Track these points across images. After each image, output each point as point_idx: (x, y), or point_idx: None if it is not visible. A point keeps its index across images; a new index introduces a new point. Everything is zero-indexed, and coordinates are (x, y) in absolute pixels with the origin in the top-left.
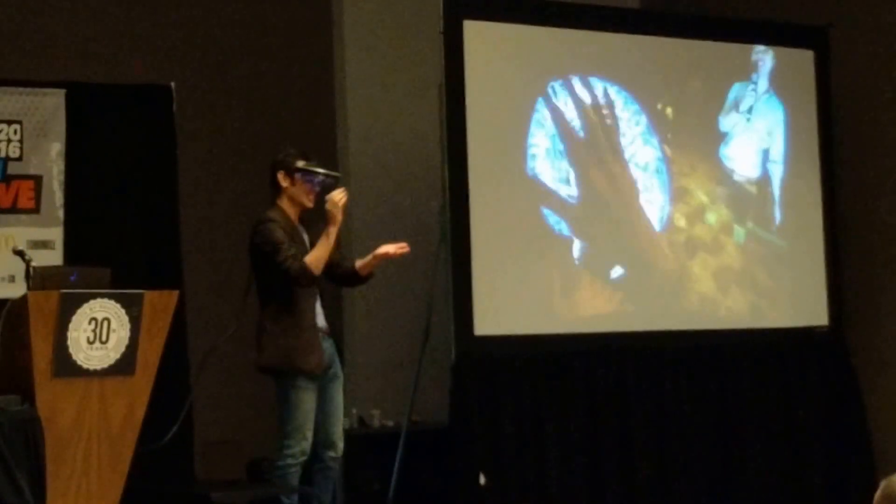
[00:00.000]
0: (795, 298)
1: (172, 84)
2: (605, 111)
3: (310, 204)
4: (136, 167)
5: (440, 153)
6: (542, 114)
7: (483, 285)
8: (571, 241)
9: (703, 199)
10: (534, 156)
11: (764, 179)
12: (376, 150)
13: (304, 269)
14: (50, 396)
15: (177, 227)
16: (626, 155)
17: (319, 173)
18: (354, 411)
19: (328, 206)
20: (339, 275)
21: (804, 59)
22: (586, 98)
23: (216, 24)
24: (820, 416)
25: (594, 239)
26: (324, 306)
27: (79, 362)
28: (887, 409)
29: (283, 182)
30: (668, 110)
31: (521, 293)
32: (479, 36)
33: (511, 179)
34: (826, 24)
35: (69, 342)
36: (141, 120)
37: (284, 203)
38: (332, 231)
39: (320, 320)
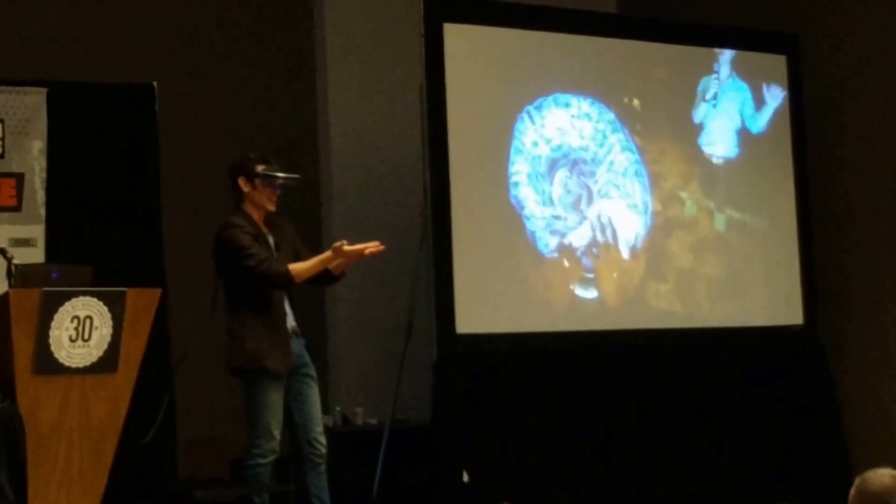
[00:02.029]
0: (771, 298)
1: (155, 83)
2: (581, 125)
3: (272, 207)
4: (119, 166)
5: (421, 154)
6: (520, 140)
7: (464, 284)
8: (550, 245)
9: (678, 181)
10: (516, 183)
11: (739, 158)
12: (357, 151)
13: (286, 274)
14: (31, 394)
15: (159, 225)
16: (605, 163)
17: (279, 177)
18: (338, 409)
19: (342, 247)
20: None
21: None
22: (562, 116)
23: (199, 24)
24: (795, 414)
25: (571, 249)
26: (294, 306)
27: (60, 360)
28: (862, 407)
29: (245, 187)
30: (636, 102)
31: (502, 292)
32: (459, 39)
33: (491, 180)
34: (797, 30)
35: (51, 340)
36: (123, 119)
37: (248, 207)
38: (330, 260)
39: (290, 321)
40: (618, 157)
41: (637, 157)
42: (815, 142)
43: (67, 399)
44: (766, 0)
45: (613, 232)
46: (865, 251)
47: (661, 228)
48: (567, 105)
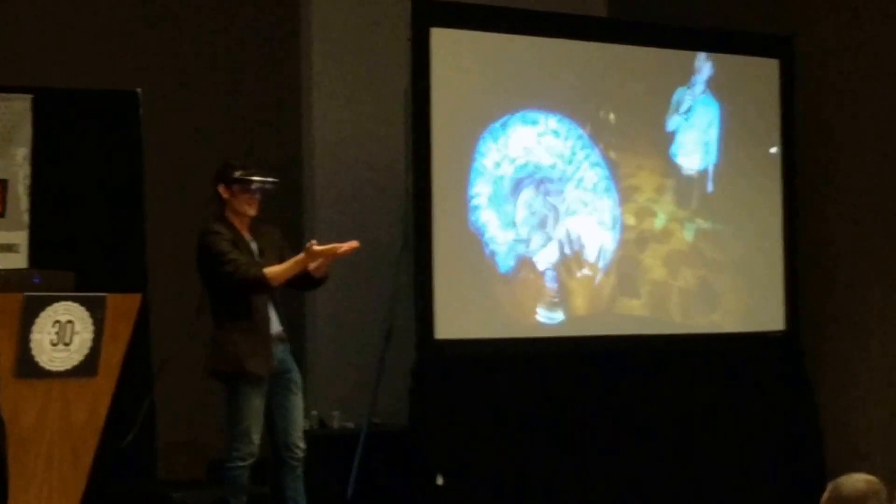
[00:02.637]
0: (751, 303)
1: (139, 90)
2: (548, 143)
3: (251, 212)
4: (102, 172)
5: (405, 159)
6: (480, 162)
7: (444, 290)
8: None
9: (653, 195)
10: (476, 206)
11: (714, 172)
12: (341, 156)
13: (261, 278)
14: (12, 397)
15: (142, 231)
16: (573, 181)
17: (254, 181)
18: (315, 413)
19: (312, 247)
20: (294, 280)
21: (744, 65)
22: (528, 134)
23: (183, 31)
24: (773, 419)
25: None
26: (279, 311)
27: (42, 364)
28: (840, 414)
29: (224, 194)
30: (611, 115)
31: (482, 298)
32: (446, 43)
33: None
34: (791, 33)
35: (32, 344)
36: (107, 125)
37: (229, 214)
38: (303, 262)
39: (274, 326)
40: (587, 173)
41: (607, 172)
42: (807, 147)
43: (48, 403)
44: (758, 4)
45: (582, 249)
46: (848, 258)
47: (634, 242)
48: (534, 122)
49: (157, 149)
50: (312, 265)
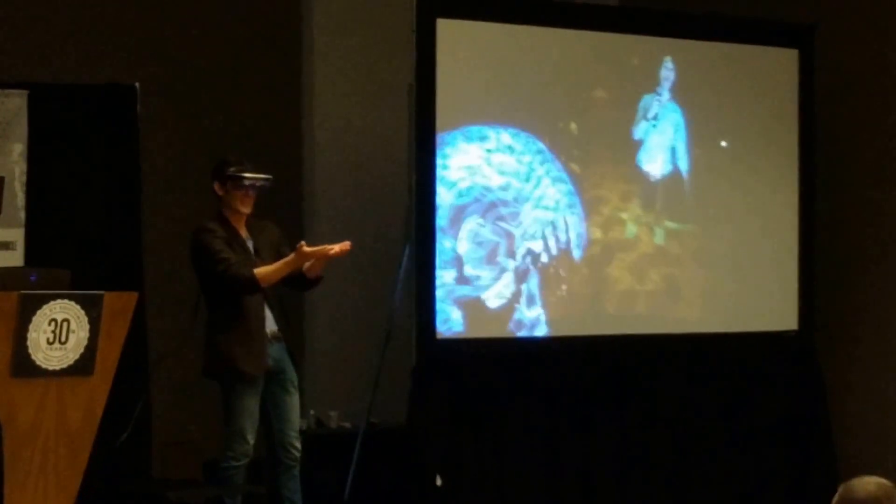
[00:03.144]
0: (765, 303)
1: (137, 84)
2: (500, 160)
3: (245, 209)
4: (99, 168)
5: (408, 154)
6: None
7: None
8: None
9: (618, 203)
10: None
11: (674, 175)
12: (343, 150)
13: (251, 279)
14: (8, 396)
15: (139, 229)
16: (532, 200)
17: (246, 178)
18: (312, 412)
19: (302, 248)
20: (290, 280)
21: (708, 67)
22: (472, 152)
23: (182, 24)
24: (785, 419)
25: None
26: (275, 311)
27: (37, 362)
28: (851, 415)
29: (219, 191)
30: (573, 126)
31: (483, 296)
32: (451, 35)
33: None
34: (812, 23)
35: (28, 342)
36: (104, 120)
37: (225, 211)
38: (294, 263)
39: (270, 325)
40: (548, 190)
41: (570, 187)
42: (820, 142)
43: (44, 401)
44: None
45: (541, 276)
46: (861, 257)
47: (607, 251)
48: (482, 139)
49: (154, 145)
50: (305, 266)
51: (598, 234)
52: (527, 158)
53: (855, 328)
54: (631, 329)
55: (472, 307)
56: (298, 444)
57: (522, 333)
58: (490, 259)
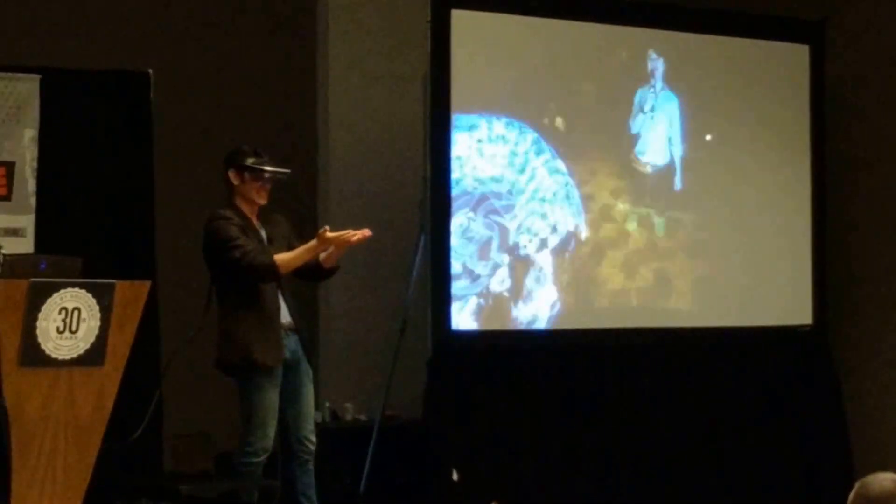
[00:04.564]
0: (780, 298)
1: (150, 71)
2: (492, 150)
3: (261, 201)
4: (111, 155)
5: (422, 145)
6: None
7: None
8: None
9: (610, 200)
10: None
11: (670, 165)
12: (357, 141)
13: (271, 265)
14: (17, 385)
15: (151, 216)
16: (528, 192)
17: (267, 171)
18: (327, 405)
19: (325, 233)
20: (303, 270)
21: (699, 56)
22: (462, 142)
23: (196, 11)
24: (800, 414)
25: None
26: (289, 302)
27: (47, 352)
28: (867, 410)
29: (234, 180)
30: (558, 121)
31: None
32: (466, 26)
33: None
34: (822, 17)
35: (38, 331)
36: (117, 107)
37: (238, 200)
38: (315, 248)
39: (284, 316)
40: (545, 181)
41: (568, 178)
42: (831, 137)
43: (53, 391)
44: None
45: (537, 270)
46: (878, 252)
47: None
48: (471, 128)
49: (168, 132)
50: (324, 254)
51: (597, 227)
52: (522, 149)
53: (869, 322)
54: (642, 323)
55: (470, 303)
56: (314, 438)
57: (523, 328)
58: (482, 254)
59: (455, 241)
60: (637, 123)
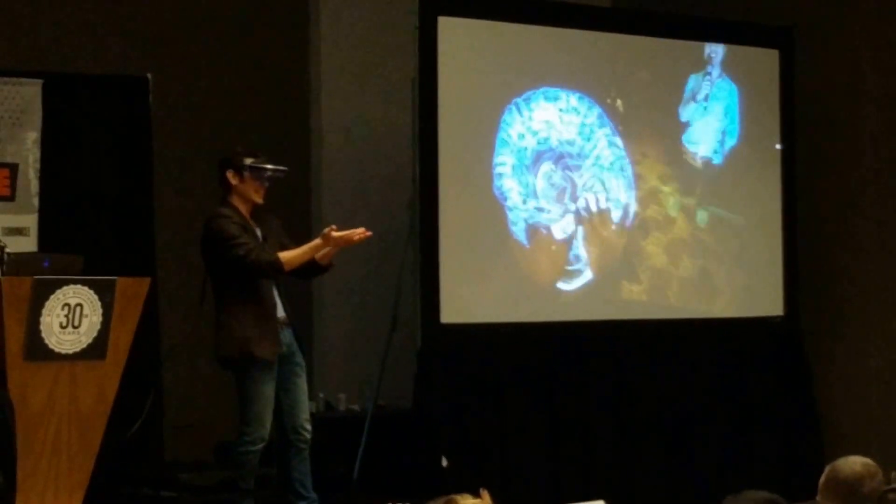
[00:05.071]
0: (750, 288)
1: (149, 75)
2: (569, 119)
3: (259, 200)
4: (112, 156)
5: (412, 147)
6: (506, 132)
7: (450, 275)
8: (532, 237)
9: (657, 183)
10: (500, 174)
11: (724, 159)
12: (349, 143)
13: (275, 263)
14: (21, 379)
15: (151, 215)
16: (591, 157)
17: (267, 169)
18: (321, 395)
19: (330, 232)
20: (300, 267)
21: (749, 55)
22: (550, 109)
23: (193, 16)
24: (771, 402)
25: (554, 240)
26: (283, 297)
27: (51, 346)
28: (837, 398)
29: (233, 180)
30: (619, 103)
31: (487, 283)
32: (453, 32)
33: (479, 173)
34: (791, 23)
35: (42, 326)
36: (117, 110)
37: (235, 200)
38: (319, 247)
39: (280, 311)
40: (604, 151)
41: (623, 152)
42: (802, 136)
43: (57, 384)
44: None
45: (600, 218)
46: (848, 244)
47: (639, 228)
48: (556, 98)
49: (166, 134)
50: (320, 252)
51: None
52: (589, 120)
53: (839, 313)
54: (624, 315)
55: (539, 238)
56: (309, 427)
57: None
58: (559, 198)
59: (541, 183)
60: (687, 111)
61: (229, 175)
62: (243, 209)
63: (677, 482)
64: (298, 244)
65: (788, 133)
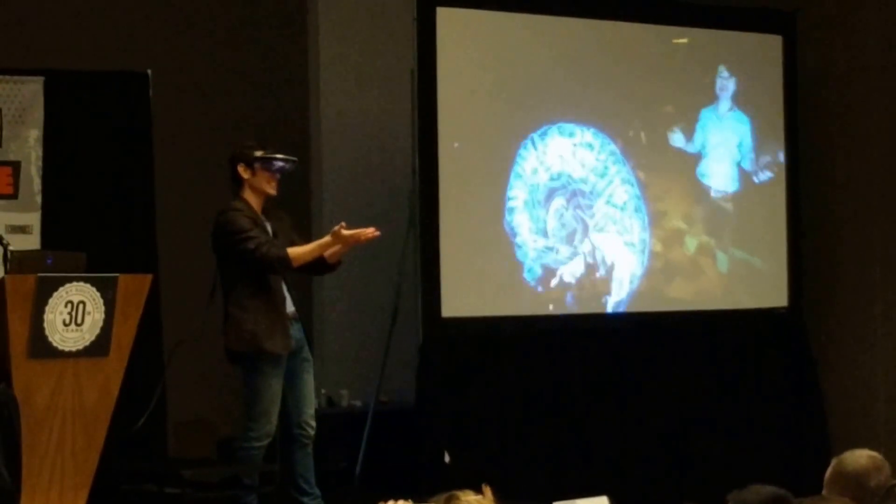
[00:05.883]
0: (756, 280)
1: (149, 71)
2: (582, 155)
3: (272, 191)
4: (113, 153)
5: (411, 138)
6: (521, 165)
7: (451, 269)
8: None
9: (680, 223)
10: (512, 209)
11: (740, 192)
12: (348, 135)
13: (284, 258)
14: (26, 377)
15: (152, 212)
16: (604, 196)
17: (278, 159)
18: (323, 391)
19: (341, 230)
20: (308, 264)
21: (769, 71)
22: (564, 145)
23: (193, 12)
24: (777, 394)
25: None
26: (291, 292)
27: (54, 343)
28: (843, 390)
29: (244, 174)
30: (642, 135)
31: (488, 276)
32: (451, 23)
33: (480, 166)
34: (794, 9)
35: (45, 324)
36: (118, 106)
37: (247, 194)
38: (329, 245)
39: (289, 306)
40: (617, 189)
41: (637, 191)
42: (807, 126)
43: (61, 382)
44: None
45: (607, 269)
46: (852, 235)
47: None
48: (571, 134)
49: (167, 130)
50: (329, 251)
51: None
52: (603, 157)
53: (843, 303)
54: (626, 307)
55: (549, 276)
56: (313, 423)
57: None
58: (569, 240)
59: (552, 222)
60: (698, 142)
61: (240, 169)
62: (255, 204)
63: (680, 476)
64: (306, 241)
65: (791, 121)
